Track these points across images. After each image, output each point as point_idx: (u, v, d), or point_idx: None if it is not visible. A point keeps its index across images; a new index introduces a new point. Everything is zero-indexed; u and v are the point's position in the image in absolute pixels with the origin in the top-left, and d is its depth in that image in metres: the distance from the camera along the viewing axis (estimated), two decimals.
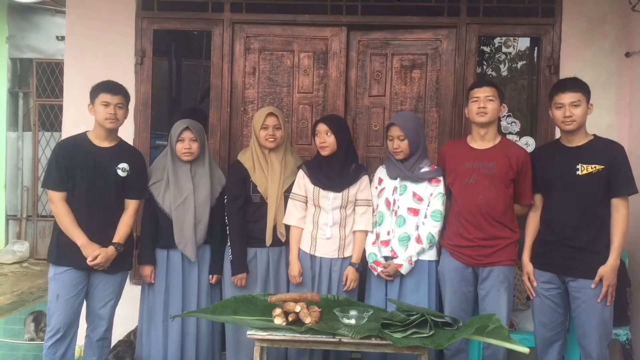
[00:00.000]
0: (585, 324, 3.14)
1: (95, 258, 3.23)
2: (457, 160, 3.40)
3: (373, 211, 3.51)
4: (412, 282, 3.39)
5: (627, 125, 4.04)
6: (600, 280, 3.09)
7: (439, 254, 3.45)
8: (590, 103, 3.17)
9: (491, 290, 3.29)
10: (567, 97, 3.13)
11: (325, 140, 3.45)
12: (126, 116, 3.44)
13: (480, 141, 3.36)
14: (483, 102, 3.27)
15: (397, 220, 3.42)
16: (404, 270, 3.36)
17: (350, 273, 3.47)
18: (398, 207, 3.42)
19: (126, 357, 3.65)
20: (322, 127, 3.48)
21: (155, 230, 3.54)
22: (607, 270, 3.09)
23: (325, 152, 3.47)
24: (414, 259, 3.37)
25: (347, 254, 3.50)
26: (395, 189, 3.45)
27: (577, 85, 3.17)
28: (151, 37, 4.25)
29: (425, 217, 3.41)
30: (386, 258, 3.42)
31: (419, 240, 3.37)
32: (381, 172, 3.57)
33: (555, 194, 3.22)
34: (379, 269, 3.41)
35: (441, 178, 3.42)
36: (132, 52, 4.24)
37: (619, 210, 3.12)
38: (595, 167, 3.11)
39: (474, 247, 3.29)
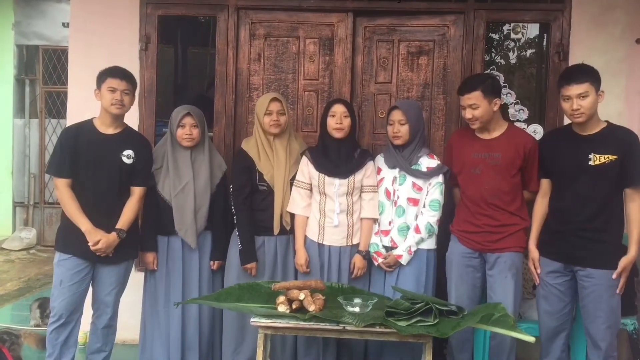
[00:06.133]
0: (593, 314, 3.11)
1: (97, 243, 3.22)
2: (464, 150, 3.38)
3: None
4: (411, 271, 3.38)
5: (638, 113, 3.98)
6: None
7: (439, 241, 3.44)
8: (601, 90, 3.06)
9: (498, 277, 3.27)
10: (573, 89, 3.02)
11: (342, 122, 3.41)
12: (132, 103, 3.42)
13: (487, 131, 3.32)
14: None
15: (396, 210, 3.40)
16: (403, 260, 3.35)
17: (358, 261, 3.45)
18: (398, 197, 3.40)
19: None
20: (340, 109, 3.43)
21: (156, 217, 3.53)
22: (629, 261, 3.05)
23: (340, 135, 3.43)
24: (413, 249, 3.35)
25: (355, 242, 3.48)
26: (394, 178, 3.43)
27: (583, 74, 3.05)
28: (156, 23, 4.22)
29: (424, 206, 3.38)
30: (387, 248, 3.41)
31: (417, 230, 3.35)
32: (379, 161, 3.54)
33: (565, 184, 3.17)
34: (380, 260, 3.39)
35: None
36: (137, 38, 4.21)
37: (635, 200, 3.06)
38: (608, 157, 3.04)
39: (482, 232, 3.28)
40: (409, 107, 3.45)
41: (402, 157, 3.41)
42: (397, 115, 3.39)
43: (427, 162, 3.41)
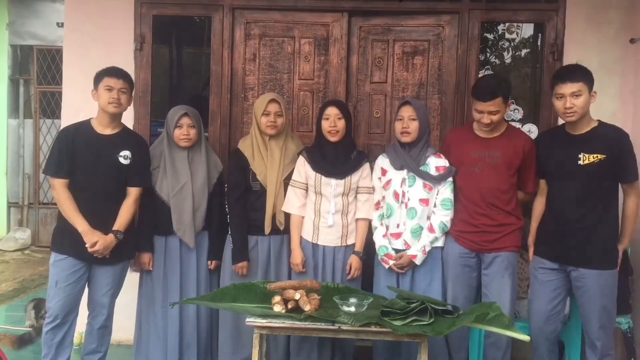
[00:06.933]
0: (588, 313, 3.14)
1: (94, 245, 3.21)
2: (463, 148, 3.37)
3: (379, 202, 3.46)
4: (425, 270, 3.37)
5: (632, 112, 3.99)
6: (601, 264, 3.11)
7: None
8: (594, 91, 3.09)
9: (495, 276, 3.27)
10: (567, 88, 3.04)
11: (336, 125, 3.40)
12: (130, 103, 3.42)
13: (487, 130, 3.31)
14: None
15: (408, 212, 3.37)
16: (418, 260, 3.33)
17: (354, 262, 3.45)
18: (408, 199, 3.37)
19: None
20: (333, 111, 3.42)
21: (153, 218, 3.53)
22: (622, 249, 3.15)
23: (335, 138, 3.41)
24: (427, 248, 3.34)
25: (350, 242, 3.48)
26: (403, 180, 3.38)
27: (578, 74, 3.08)
28: (150, 22, 4.21)
29: (435, 206, 3.37)
30: (397, 251, 3.38)
31: (431, 229, 3.34)
32: (383, 161, 3.48)
33: (557, 183, 3.20)
34: (391, 262, 3.37)
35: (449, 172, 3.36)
36: (132, 38, 4.20)
37: (629, 195, 3.14)
38: (597, 156, 3.06)
39: (479, 232, 3.28)
40: (419, 104, 3.45)
41: (410, 157, 3.37)
42: (407, 110, 3.36)
43: (435, 162, 3.38)
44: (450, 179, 3.38)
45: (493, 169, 3.27)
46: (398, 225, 3.39)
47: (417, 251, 3.33)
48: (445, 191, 3.36)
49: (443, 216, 3.35)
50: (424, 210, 3.36)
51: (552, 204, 3.23)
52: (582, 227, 3.11)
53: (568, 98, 3.04)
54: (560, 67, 3.76)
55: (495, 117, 3.21)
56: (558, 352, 3.37)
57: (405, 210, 3.37)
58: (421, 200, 3.36)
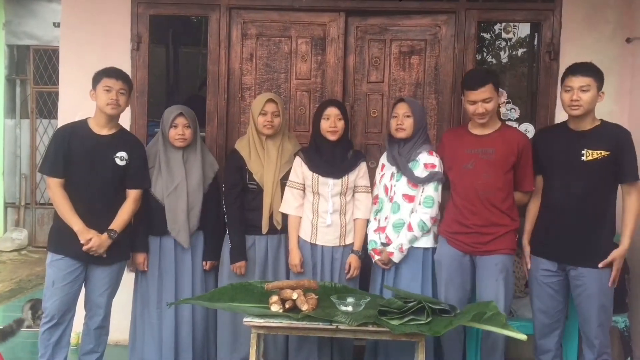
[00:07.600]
0: (586, 312, 3.14)
1: (88, 242, 3.20)
2: (457, 146, 3.36)
3: (377, 197, 3.47)
4: (407, 270, 3.36)
5: (628, 112, 3.99)
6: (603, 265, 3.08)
7: (436, 241, 3.41)
8: (602, 91, 3.10)
9: (489, 279, 3.24)
10: (576, 81, 3.06)
11: (336, 125, 3.41)
12: (128, 104, 3.41)
13: (481, 128, 3.31)
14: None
15: (392, 206, 3.39)
16: (395, 258, 3.33)
17: (353, 261, 3.45)
18: (394, 194, 3.39)
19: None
20: (333, 111, 3.43)
21: (148, 218, 3.52)
22: (620, 254, 3.09)
23: (334, 137, 3.42)
24: (405, 247, 3.33)
25: (348, 242, 3.48)
26: (392, 175, 3.42)
27: (589, 70, 3.10)
28: (147, 22, 4.21)
29: (419, 204, 3.36)
30: (384, 245, 3.40)
31: (409, 227, 3.34)
32: (383, 157, 3.54)
33: (558, 179, 3.18)
34: (376, 257, 3.39)
35: (437, 168, 3.35)
36: (128, 37, 4.20)
37: (630, 194, 3.11)
38: (600, 153, 3.06)
39: (472, 234, 3.25)
40: (414, 102, 3.49)
41: (400, 154, 3.38)
42: (402, 108, 3.38)
43: (425, 159, 3.37)
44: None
45: (487, 165, 3.25)
46: (386, 219, 3.41)
47: (393, 249, 3.33)
48: (429, 189, 3.35)
49: (423, 214, 3.33)
50: (408, 206, 3.36)
51: (551, 201, 3.22)
52: (582, 225, 3.10)
53: (576, 91, 3.05)
54: (557, 66, 3.81)
55: (489, 106, 3.20)
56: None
57: (390, 205, 3.39)
58: (404, 195, 3.37)
